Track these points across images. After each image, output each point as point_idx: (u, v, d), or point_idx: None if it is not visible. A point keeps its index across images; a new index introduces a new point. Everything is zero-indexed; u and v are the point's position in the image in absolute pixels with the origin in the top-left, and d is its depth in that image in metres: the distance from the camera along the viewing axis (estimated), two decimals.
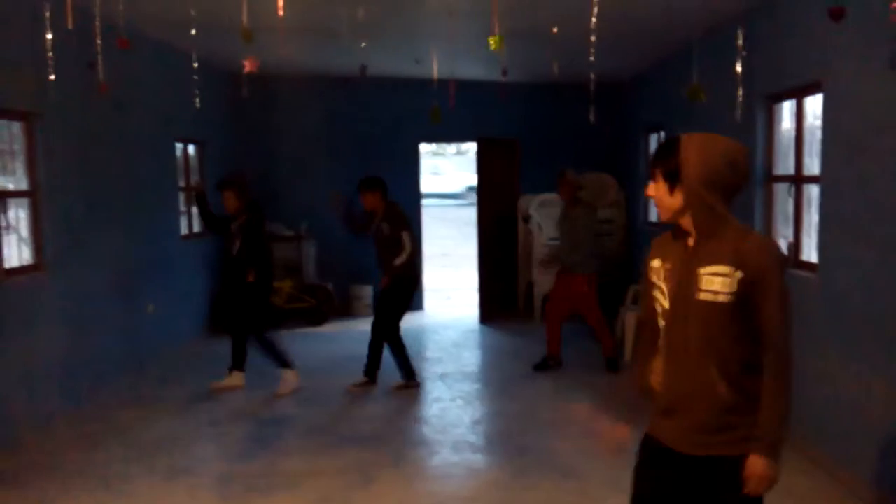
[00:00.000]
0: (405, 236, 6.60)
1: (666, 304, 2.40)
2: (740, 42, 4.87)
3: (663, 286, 2.42)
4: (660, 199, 2.38)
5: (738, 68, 4.77)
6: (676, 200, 2.34)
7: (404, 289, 6.76)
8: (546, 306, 7.53)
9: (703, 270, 2.30)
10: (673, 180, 2.32)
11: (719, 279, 2.27)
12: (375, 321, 6.83)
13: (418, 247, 6.79)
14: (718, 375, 2.31)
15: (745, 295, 2.26)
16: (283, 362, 6.69)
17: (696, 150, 2.30)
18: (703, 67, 5.09)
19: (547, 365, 7.41)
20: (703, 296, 2.29)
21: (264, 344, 6.63)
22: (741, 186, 2.34)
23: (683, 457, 2.40)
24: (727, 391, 2.31)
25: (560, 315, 7.37)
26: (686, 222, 2.36)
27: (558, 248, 7.59)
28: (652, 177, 2.41)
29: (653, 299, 2.48)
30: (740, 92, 4.86)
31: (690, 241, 2.38)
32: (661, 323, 2.44)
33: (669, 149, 2.34)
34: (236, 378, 6.78)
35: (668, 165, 2.33)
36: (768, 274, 2.26)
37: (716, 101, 5.80)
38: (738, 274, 2.25)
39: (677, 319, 2.37)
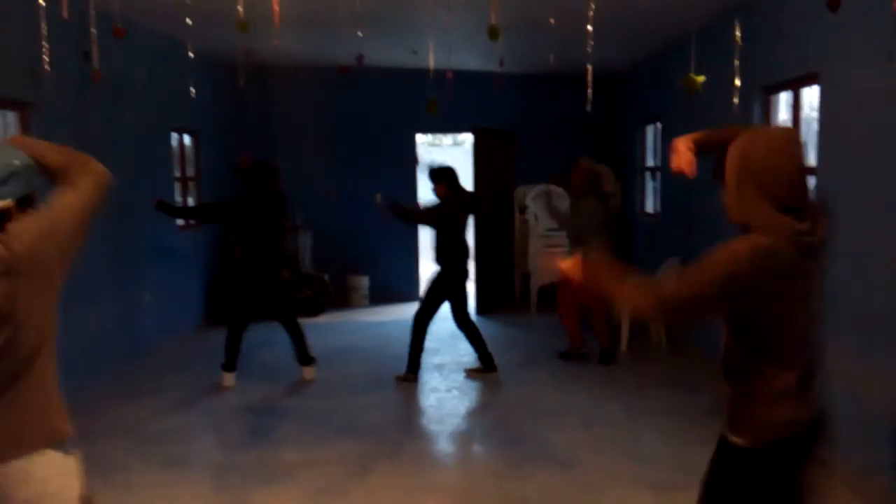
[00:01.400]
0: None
1: None
2: (738, 33, 4.86)
3: None
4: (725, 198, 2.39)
5: (736, 59, 4.76)
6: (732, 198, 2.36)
7: (452, 280, 6.80)
8: (559, 297, 7.40)
9: None
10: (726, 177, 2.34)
11: None
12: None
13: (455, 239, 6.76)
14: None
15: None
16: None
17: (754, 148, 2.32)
18: (701, 58, 5.08)
19: (569, 355, 7.39)
20: None
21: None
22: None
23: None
24: None
25: (574, 304, 7.26)
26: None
27: (567, 236, 7.50)
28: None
29: None
30: (737, 83, 4.86)
31: None
32: None
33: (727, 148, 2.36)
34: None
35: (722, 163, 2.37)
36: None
37: (713, 93, 5.80)
38: None
39: None
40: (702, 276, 2.22)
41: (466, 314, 6.87)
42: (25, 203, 2.25)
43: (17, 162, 2.24)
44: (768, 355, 2.31)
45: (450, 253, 6.73)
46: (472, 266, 6.82)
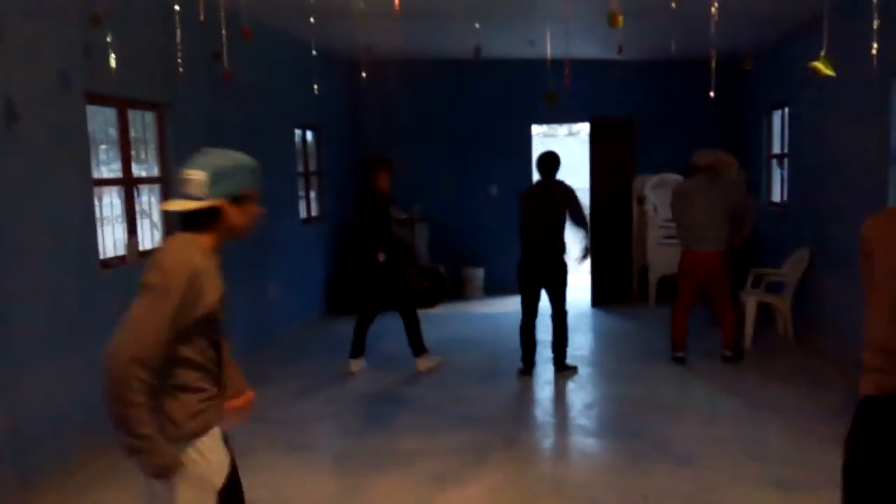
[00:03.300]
0: None
1: None
2: (875, 14, 4.59)
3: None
4: None
5: (872, 42, 4.50)
6: None
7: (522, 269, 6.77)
8: (679, 288, 7.02)
9: None
10: None
11: None
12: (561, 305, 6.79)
13: (526, 226, 6.69)
14: None
15: None
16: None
17: None
18: (833, 42, 4.83)
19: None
20: None
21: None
22: None
23: None
24: None
25: (692, 302, 6.97)
26: None
27: (690, 227, 6.88)
28: None
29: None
30: (874, 65, 4.58)
31: None
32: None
33: None
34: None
35: None
36: None
37: (846, 79, 5.50)
38: None
39: None
40: None
41: (553, 306, 6.76)
42: (239, 202, 2.46)
43: (227, 163, 2.48)
44: None
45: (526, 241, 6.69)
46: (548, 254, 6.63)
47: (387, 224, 6.69)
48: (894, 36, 5.27)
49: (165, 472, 2.23)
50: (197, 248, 2.33)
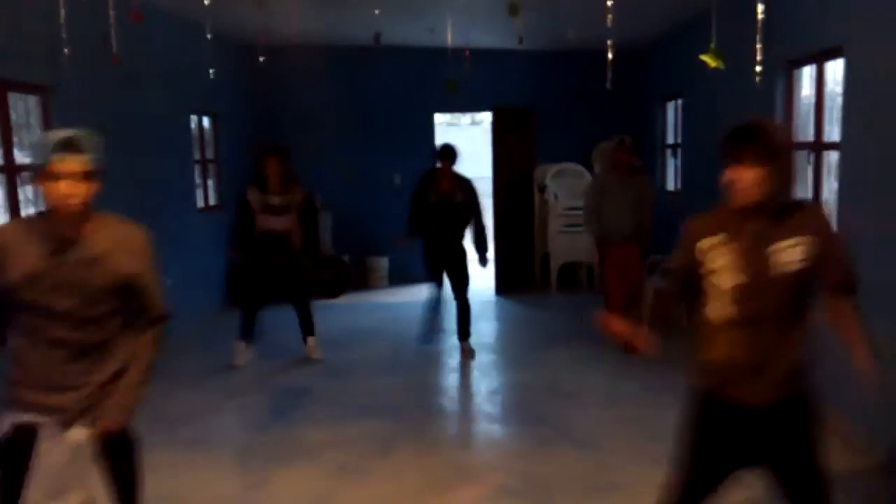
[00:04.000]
0: None
1: (735, 280, 2.57)
2: (760, 5, 4.77)
3: (729, 263, 2.58)
4: (749, 181, 2.51)
5: (758, 33, 4.68)
6: (765, 181, 2.49)
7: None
8: (607, 280, 7.08)
9: (782, 244, 2.53)
10: (770, 161, 2.49)
11: (795, 249, 2.51)
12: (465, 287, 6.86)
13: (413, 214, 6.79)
14: (795, 334, 2.60)
15: (817, 257, 2.51)
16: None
17: (780, 131, 2.62)
18: (722, 32, 5.00)
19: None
20: (782, 268, 2.52)
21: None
22: None
23: (758, 410, 2.63)
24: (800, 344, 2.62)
25: (622, 289, 7.00)
26: (765, 200, 2.52)
27: (610, 218, 6.96)
28: (738, 161, 2.56)
29: (701, 276, 2.66)
30: (759, 57, 4.77)
31: (758, 219, 2.56)
32: (722, 298, 2.60)
33: (758, 132, 2.56)
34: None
35: (765, 148, 2.50)
36: (830, 230, 2.59)
37: (735, 68, 5.71)
38: (811, 239, 2.52)
39: (753, 292, 2.55)
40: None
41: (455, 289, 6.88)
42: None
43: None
44: None
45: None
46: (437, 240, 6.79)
47: (249, 218, 6.48)
48: (779, 26, 5.51)
49: None
50: (14, 222, 2.60)
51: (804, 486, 2.65)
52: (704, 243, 2.65)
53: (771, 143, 2.51)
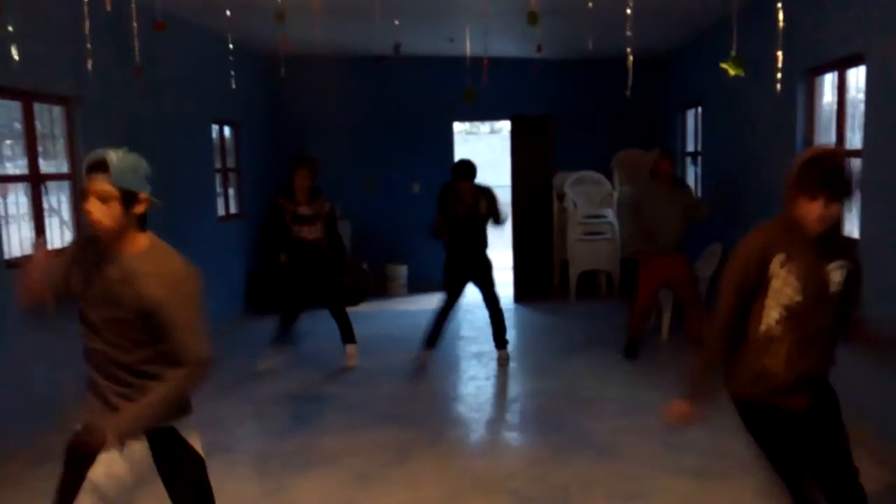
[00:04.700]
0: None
1: (798, 296, 2.73)
2: (780, 13, 4.76)
3: (793, 279, 2.73)
4: (837, 215, 2.70)
5: (779, 40, 4.66)
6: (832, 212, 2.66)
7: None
8: (642, 292, 6.96)
9: (832, 265, 2.76)
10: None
11: (840, 272, 2.76)
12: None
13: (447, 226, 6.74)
14: (835, 348, 2.88)
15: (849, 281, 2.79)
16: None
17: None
18: (743, 40, 4.98)
19: (636, 351, 7.07)
20: (835, 287, 2.76)
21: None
22: None
23: (801, 414, 2.84)
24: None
25: (653, 300, 7.09)
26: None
27: (655, 229, 6.85)
28: (837, 200, 2.65)
29: (761, 291, 2.79)
30: (780, 65, 4.75)
31: (816, 240, 2.73)
32: (782, 312, 2.76)
33: (847, 171, 2.68)
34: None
35: (852, 185, 2.67)
36: (860, 259, 2.88)
37: (755, 75, 5.69)
38: (848, 264, 2.79)
39: (812, 308, 2.75)
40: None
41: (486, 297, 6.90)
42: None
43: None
44: None
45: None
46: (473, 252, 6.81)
47: (283, 224, 6.53)
48: (800, 33, 5.49)
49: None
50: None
51: (842, 481, 2.82)
52: (776, 260, 2.76)
53: (852, 181, 2.67)
